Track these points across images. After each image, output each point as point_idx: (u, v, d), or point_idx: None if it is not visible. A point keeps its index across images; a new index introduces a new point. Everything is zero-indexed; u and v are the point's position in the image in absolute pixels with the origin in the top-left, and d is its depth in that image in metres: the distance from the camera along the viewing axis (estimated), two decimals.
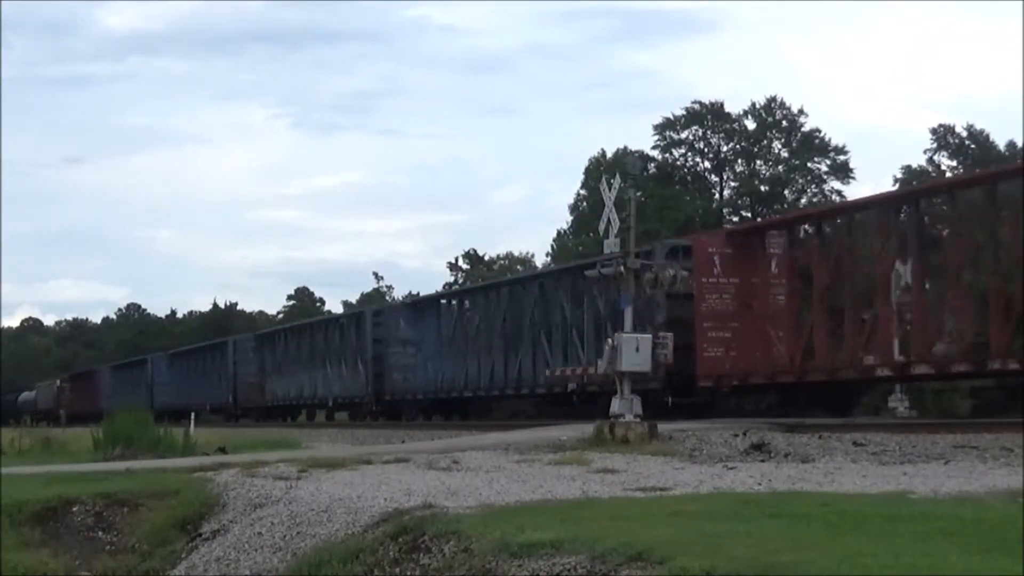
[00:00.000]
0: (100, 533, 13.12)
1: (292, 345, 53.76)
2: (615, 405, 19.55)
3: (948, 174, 58.79)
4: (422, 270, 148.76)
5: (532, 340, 33.66)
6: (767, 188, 69.28)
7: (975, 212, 23.23)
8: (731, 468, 14.23)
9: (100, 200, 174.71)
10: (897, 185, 59.24)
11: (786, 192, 68.85)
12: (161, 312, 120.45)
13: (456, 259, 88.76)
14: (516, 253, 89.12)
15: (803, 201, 66.18)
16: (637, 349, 19.60)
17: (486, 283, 45.58)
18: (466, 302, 40.60)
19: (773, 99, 69.26)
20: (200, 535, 12.44)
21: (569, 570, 7.75)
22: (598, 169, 65.53)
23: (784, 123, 69.29)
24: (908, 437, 17.43)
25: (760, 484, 12.06)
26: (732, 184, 70.73)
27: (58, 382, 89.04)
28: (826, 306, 24.92)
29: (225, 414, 58.45)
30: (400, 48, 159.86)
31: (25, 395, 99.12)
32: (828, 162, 68.46)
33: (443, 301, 43.96)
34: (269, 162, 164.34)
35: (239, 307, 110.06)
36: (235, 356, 58.77)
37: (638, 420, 19.18)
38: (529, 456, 16.25)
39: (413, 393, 41.59)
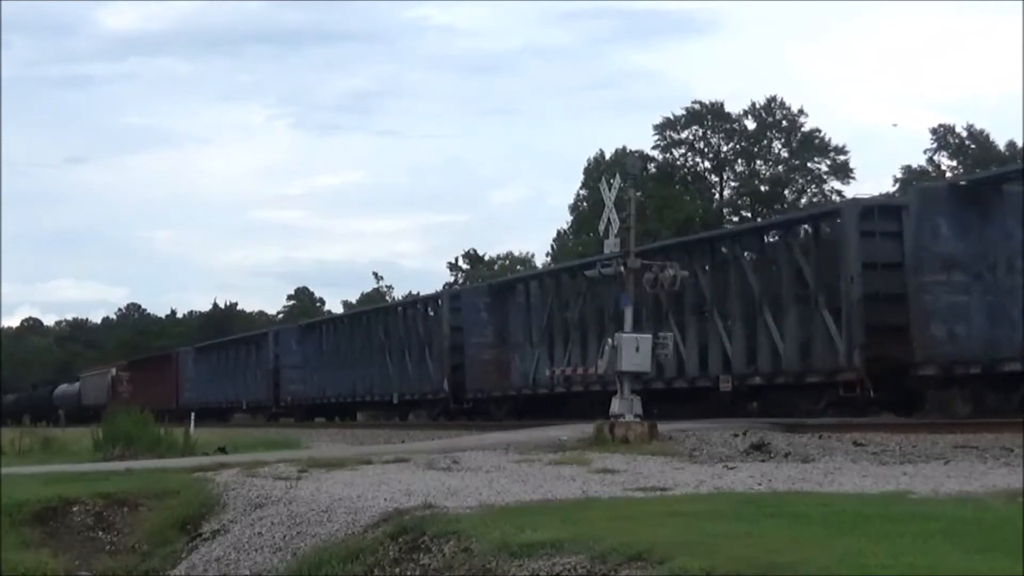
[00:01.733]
0: (100, 533, 13.11)
1: (347, 335, 49.27)
2: (615, 405, 19.54)
3: (948, 174, 58.83)
4: (422, 270, 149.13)
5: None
6: (767, 188, 69.35)
7: None
8: (731, 468, 14.23)
9: (100, 200, 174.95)
10: (897, 185, 59.30)
11: (786, 192, 68.93)
12: (161, 312, 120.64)
13: (456, 259, 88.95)
14: (516, 253, 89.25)
15: (803, 201, 66.23)
16: (637, 349, 19.59)
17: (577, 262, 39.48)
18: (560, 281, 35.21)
19: (773, 99, 69.44)
20: (200, 535, 12.44)
21: (569, 570, 7.75)
22: (597, 169, 65.60)
23: (784, 123, 69.40)
24: (908, 437, 17.43)
25: (760, 484, 12.06)
26: (732, 184, 70.86)
27: (113, 371, 75.83)
28: None
29: (265, 412, 54.45)
30: (400, 48, 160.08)
31: (64, 388, 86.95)
32: (828, 162, 68.57)
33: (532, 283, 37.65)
34: (269, 162, 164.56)
35: (239, 307, 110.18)
36: (276, 349, 54.17)
37: (638, 420, 19.18)
38: (529, 456, 16.24)
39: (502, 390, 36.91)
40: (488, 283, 43.02)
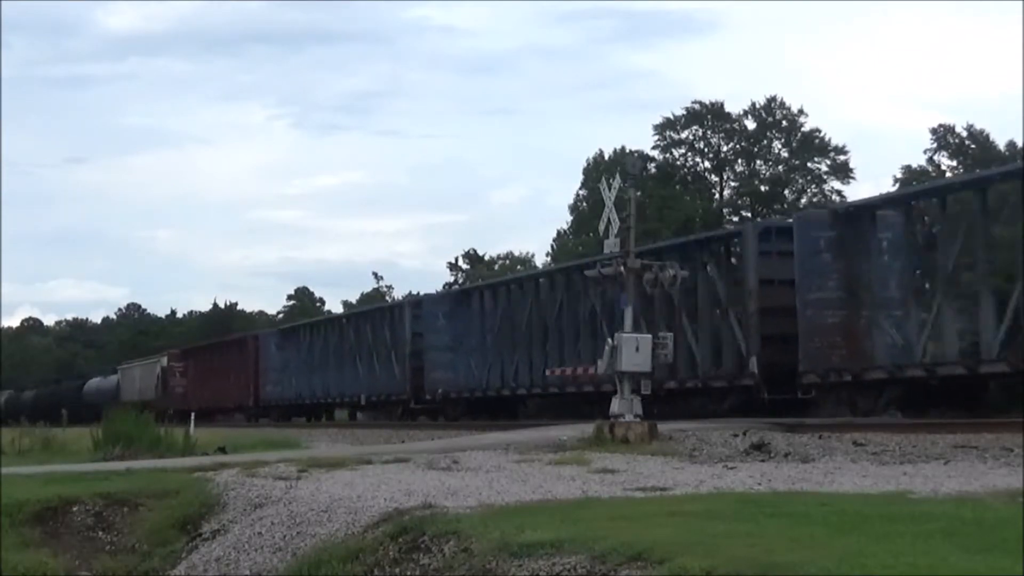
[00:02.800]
0: (100, 533, 13.12)
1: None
2: (615, 405, 19.54)
3: (948, 174, 58.86)
4: (422, 270, 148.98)
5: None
6: (767, 188, 69.37)
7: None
8: (731, 468, 14.23)
9: (100, 200, 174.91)
10: (897, 185, 59.31)
11: (786, 192, 68.94)
12: (161, 312, 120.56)
13: (456, 259, 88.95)
14: (516, 253, 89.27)
15: (803, 201, 66.26)
16: (637, 349, 19.59)
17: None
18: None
19: (773, 99, 69.46)
20: (200, 535, 12.45)
21: (569, 570, 7.75)
22: (597, 169, 65.63)
23: (784, 123, 69.41)
24: (908, 437, 17.42)
25: (760, 484, 12.06)
26: (732, 184, 70.87)
27: (163, 360, 64.90)
28: None
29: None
30: (400, 48, 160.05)
31: (97, 383, 76.26)
32: (828, 162, 68.59)
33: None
34: (269, 162, 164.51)
35: (239, 307, 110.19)
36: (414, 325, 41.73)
37: (638, 420, 19.17)
38: (529, 456, 16.24)
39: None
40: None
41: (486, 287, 39.99)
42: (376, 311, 49.42)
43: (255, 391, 54.02)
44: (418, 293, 66.66)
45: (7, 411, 79.82)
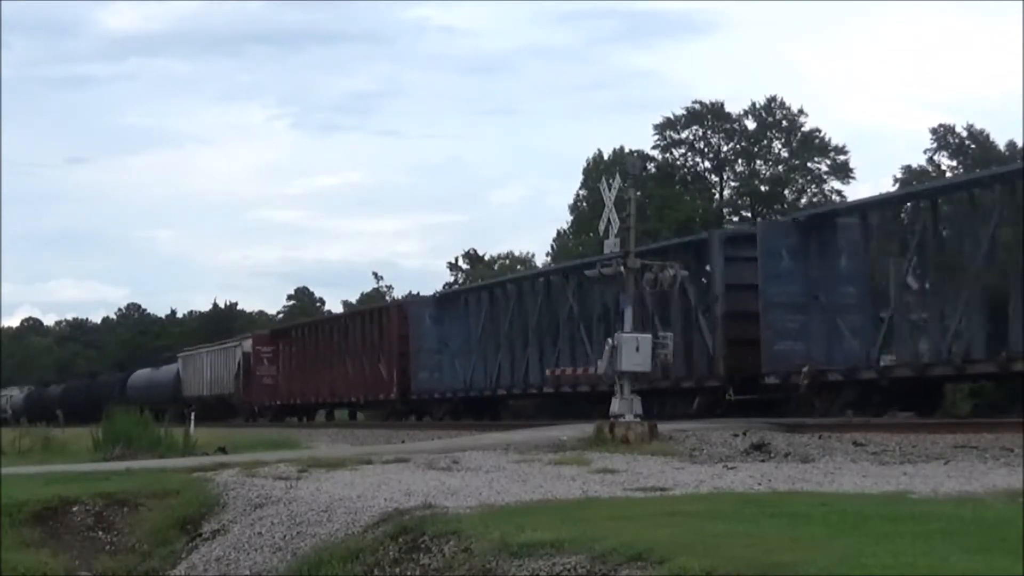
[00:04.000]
0: (100, 533, 13.12)
1: None
2: (615, 405, 19.54)
3: (948, 174, 58.85)
4: (422, 270, 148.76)
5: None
6: (767, 188, 69.33)
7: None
8: (731, 468, 14.24)
9: (100, 200, 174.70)
10: (897, 185, 59.33)
11: (786, 192, 68.91)
12: (161, 312, 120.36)
13: (456, 259, 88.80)
14: (516, 253, 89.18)
15: (803, 201, 66.23)
16: (637, 349, 19.59)
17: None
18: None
19: (773, 99, 69.35)
20: (200, 535, 12.45)
21: (569, 570, 7.75)
22: (597, 169, 65.60)
23: (784, 123, 69.33)
24: (908, 437, 17.43)
25: (760, 484, 12.07)
26: (732, 184, 70.78)
27: (247, 343, 52.51)
28: None
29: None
30: (400, 48, 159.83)
31: (146, 375, 66.96)
32: (828, 162, 68.52)
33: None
34: (269, 162, 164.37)
35: (239, 307, 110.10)
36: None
37: (638, 420, 19.17)
38: (529, 456, 16.25)
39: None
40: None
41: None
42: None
43: (402, 381, 40.15)
44: (417, 293, 66.58)
45: (27, 409, 74.96)
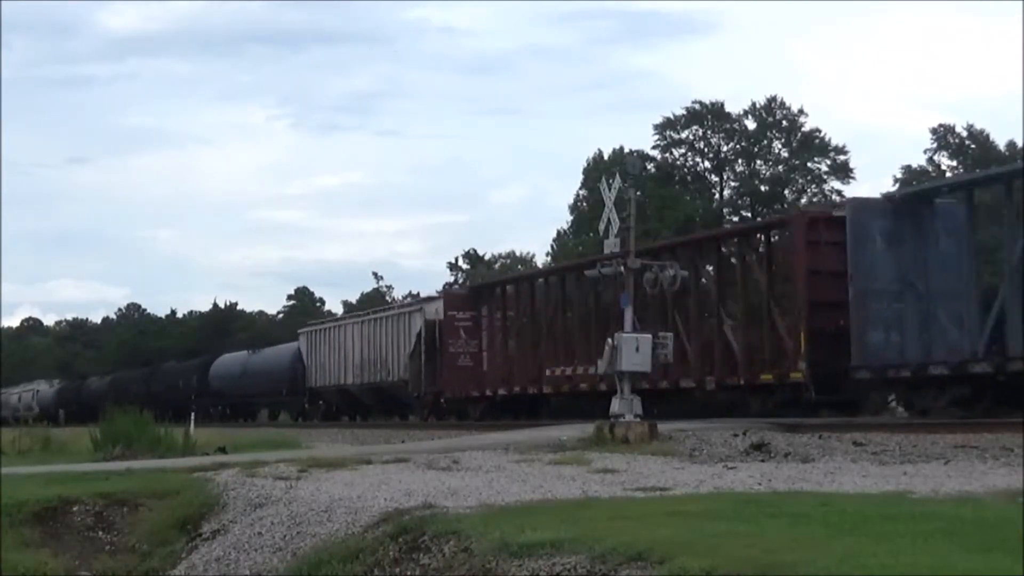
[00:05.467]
0: (100, 533, 13.11)
1: None
2: (615, 405, 19.55)
3: (948, 174, 58.86)
4: (422, 270, 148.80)
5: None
6: (767, 188, 69.34)
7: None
8: (731, 468, 14.24)
9: (101, 200, 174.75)
10: (897, 185, 59.32)
11: (786, 192, 68.93)
12: (161, 312, 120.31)
13: (456, 259, 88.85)
14: (516, 253, 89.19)
15: (803, 201, 66.25)
16: (637, 349, 19.59)
17: None
18: None
19: (773, 99, 69.42)
20: (200, 535, 12.45)
21: (569, 570, 7.75)
22: (597, 169, 65.60)
23: (784, 123, 69.37)
24: (908, 437, 17.43)
25: (760, 484, 12.06)
26: (732, 184, 70.82)
27: (436, 307, 38.63)
28: None
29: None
30: (400, 49, 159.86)
31: (239, 361, 53.80)
32: (828, 162, 68.56)
33: None
34: (269, 162, 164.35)
35: (239, 307, 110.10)
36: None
37: (638, 420, 19.18)
38: (529, 456, 16.25)
39: None
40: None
41: None
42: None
43: (817, 348, 24.35)
44: (417, 293, 66.26)
45: (60, 406, 68.64)
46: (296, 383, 47.64)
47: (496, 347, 36.04)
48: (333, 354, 45.67)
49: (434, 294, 42.66)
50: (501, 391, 34.70)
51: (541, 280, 36.37)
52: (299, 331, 50.71)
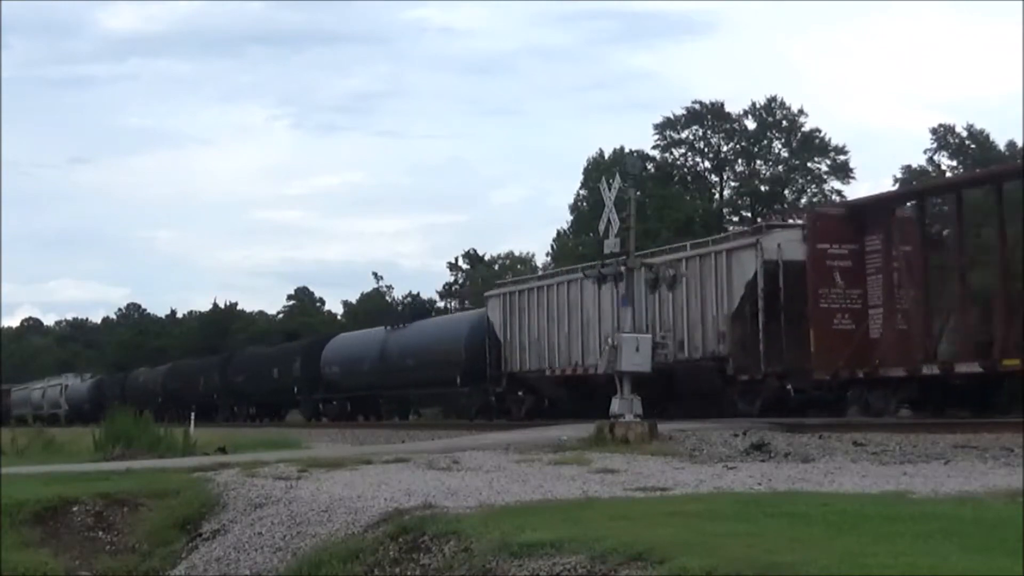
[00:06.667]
0: (100, 533, 13.11)
1: None
2: (615, 405, 19.54)
3: (948, 174, 58.85)
4: (422, 270, 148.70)
5: None
6: (767, 188, 69.33)
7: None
8: (731, 468, 14.24)
9: (101, 200, 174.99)
10: (897, 185, 59.31)
11: (786, 192, 68.91)
12: (161, 312, 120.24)
13: (456, 259, 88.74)
14: (516, 253, 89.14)
15: (803, 201, 66.24)
16: (637, 349, 19.59)
17: None
18: None
19: (773, 99, 69.39)
20: (200, 535, 12.44)
21: (569, 570, 7.75)
22: (597, 169, 65.57)
23: (784, 123, 69.34)
24: (908, 437, 17.41)
25: (760, 484, 12.06)
26: (732, 184, 70.80)
27: (788, 237, 24.99)
28: None
29: None
30: (400, 49, 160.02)
31: (373, 341, 41.96)
32: (828, 162, 68.54)
33: None
34: (269, 162, 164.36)
35: (239, 307, 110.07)
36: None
37: (638, 420, 19.17)
38: (529, 456, 16.24)
39: None
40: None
41: None
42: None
43: None
44: (417, 294, 66.02)
45: (97, 402, 58.75)
46: (476, 367, 34.39)
47: (899, 301, 23.38)
48: (556, 324, 31.49)
49: (792, 223, 26.67)
50: (901, 371, 22.23)
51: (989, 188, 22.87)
52: (488, 294, 36.30)
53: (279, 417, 48.64)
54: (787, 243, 25.13)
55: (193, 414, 34.70)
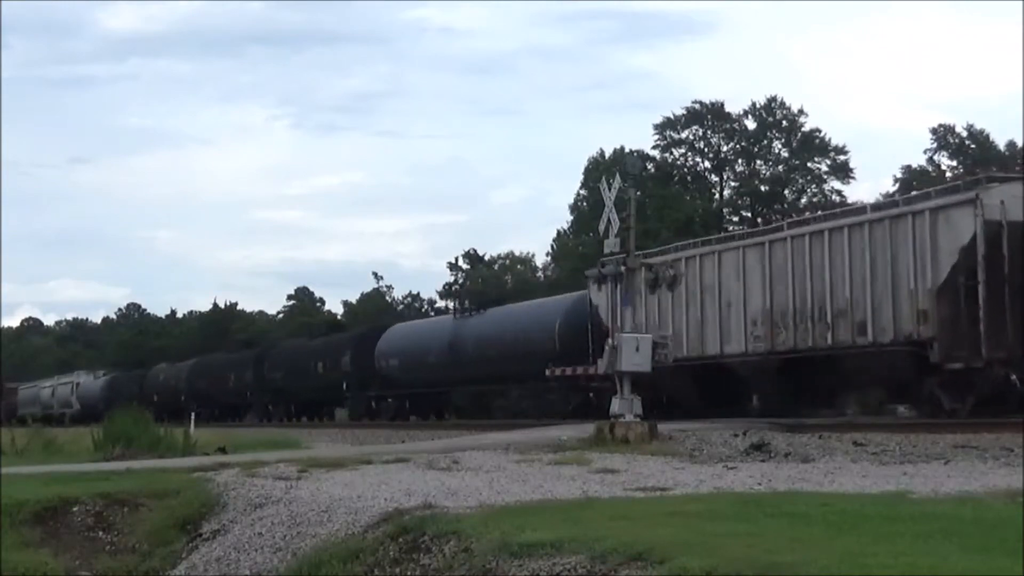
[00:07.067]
0: (100, 533, 13.10)
1: None
2: (615, 405, 19.54)
3: (948, 174, 58.86)
4: (422, 270, 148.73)
5: None
6: (767, 188, 69.33)
7: None
8: (731, 468, 14.23)
9: (101, 200, 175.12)
10: (897, 185, 59.32)
11: (786, 192, 68.93)
12: (161, 312, 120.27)
13: (456, 259, 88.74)
14: (516, 253, 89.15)
15: (803, 201, 66.27)
16: (637, 349, 19.59)
17: None
18: None
19: (773, 99, 69.42)
20: (200, 535, 12.44)
21: (569, 570, 7.75)
22: (597, 169, 65.58)
23: (784, 123, 69.36)
24: (908, 437, 17.41)
25: (760, 484, 12.06)
26: (732, 184, 70.83)
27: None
28: None
29: None
30: (400, 49, 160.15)
31: (413, 333, 39.66)
32: (828, 162, 68.56)
33: None
34: (269, 162, 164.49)
35: (239, 307, 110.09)
36: None
37: (638, 420, 19.18)
38: (529, 456, 16.24)
39: None
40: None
41: None
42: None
43: None
44: (417, 293, 65.88)
45: (111, 401, 49.88)
46: (571, 359, 29.70)
47: None
48: (685, 305, 25.76)
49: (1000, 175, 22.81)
50: None
51: None
52: (589, 272, 29.22)
53: (327, 417, 43.41)
54: (1011, 200, 20.53)
55: (193, 415, 34.38)
